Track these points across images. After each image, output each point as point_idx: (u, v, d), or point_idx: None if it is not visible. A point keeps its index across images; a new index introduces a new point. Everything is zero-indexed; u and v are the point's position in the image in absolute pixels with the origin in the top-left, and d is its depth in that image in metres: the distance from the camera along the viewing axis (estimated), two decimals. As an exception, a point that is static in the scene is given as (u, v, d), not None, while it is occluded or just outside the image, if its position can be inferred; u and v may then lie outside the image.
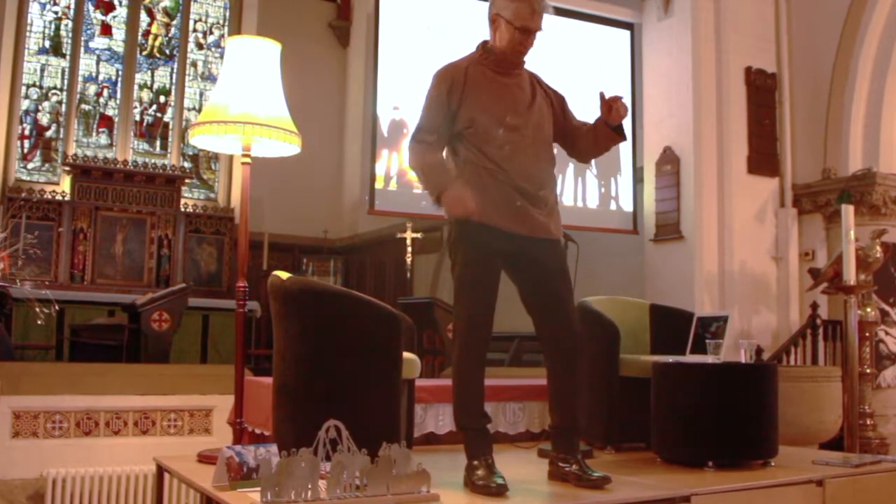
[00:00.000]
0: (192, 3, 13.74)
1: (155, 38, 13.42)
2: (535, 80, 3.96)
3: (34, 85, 12.47)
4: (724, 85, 8.38)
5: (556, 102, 4.01)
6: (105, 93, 12.95)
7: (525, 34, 3.74)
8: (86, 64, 12.87)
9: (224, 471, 3.29)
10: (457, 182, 3.61)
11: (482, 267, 3.67)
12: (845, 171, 8.32)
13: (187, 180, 12.90)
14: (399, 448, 3.13)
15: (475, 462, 3.58)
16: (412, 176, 8.17)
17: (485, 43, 3.89)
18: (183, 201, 12.49)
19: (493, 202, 3.65)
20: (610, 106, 3.81)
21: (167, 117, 13.37)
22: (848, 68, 8.31)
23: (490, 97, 3.75)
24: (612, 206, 9.04)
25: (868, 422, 6.98)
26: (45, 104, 12.52)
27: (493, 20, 3.82)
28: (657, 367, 4.62)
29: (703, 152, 8.23)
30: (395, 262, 12.58)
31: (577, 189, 8.75)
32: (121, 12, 13.17)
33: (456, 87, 3.74)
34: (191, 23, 13.72)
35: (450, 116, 3.74)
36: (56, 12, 12.69)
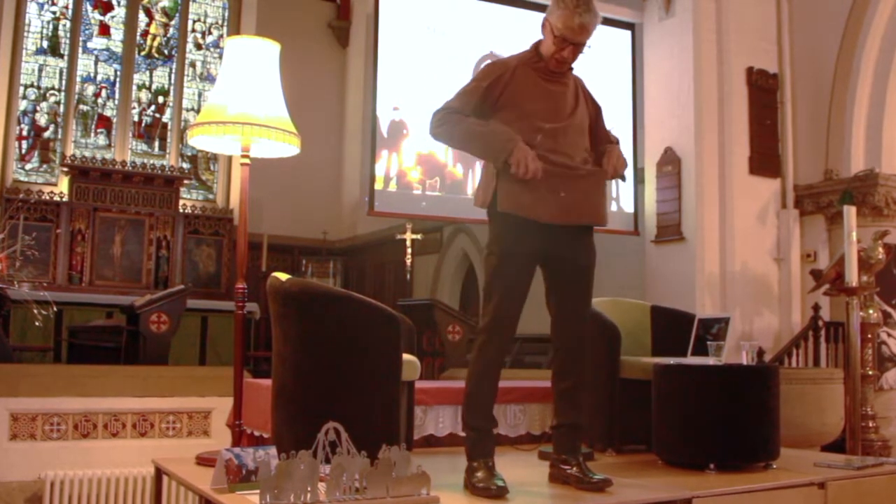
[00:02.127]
0: (190, 3, 13.74)
1: (153, 39, 13.42)
2: (579, 86, 3.94)
3: (32, 85, 12.48)
4: (726, 85, 8.37)
5: (593, 112, 3.99)
6: (103, 93, 12.95)
7: (566, 46, 3.69)
8: (84, 64, 12.87)
9: (223, 473, 3.28)
10: (519, 140, 3.56)
11: (518, 263, 3.66)
12: (847, 172, 8.32)
13: (186, 181, 12.91)
14: (399, 450, 3.12)
15: (475, 463, 3.57)
16: (412, 177, 8.17)
17: (538, 44, 3.84)
18: (181, 202, 12.49)
19: (537, 194, 3.62)
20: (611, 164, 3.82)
21: (166, 118, 13.37)
22: (850, 69, 8.31)
23: (532, 102, 3.72)
24: (613, 207, 9.02)
25: (870, 424, 6.95)
26: (43, 105, 12.52)
27: (543, 24, 3.78)
28: (658, 368, 4.60)
29: (704, 153, 8.22)
30: (394, 263, 12.58)
31: (578, 190, 8.72)
32: (119, 12, 13.17)
33: (499, 83, 3.72)
34: (189, 23, 13.72)
35: (481, 110, 3.72)
36: (54, 12, 12.70)
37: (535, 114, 3.69)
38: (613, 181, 8.86)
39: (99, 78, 12.96)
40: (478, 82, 3.75)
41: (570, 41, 3.67)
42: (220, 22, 13.97)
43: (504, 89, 3.71)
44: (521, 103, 3.70)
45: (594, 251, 3.87)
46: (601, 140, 4.01)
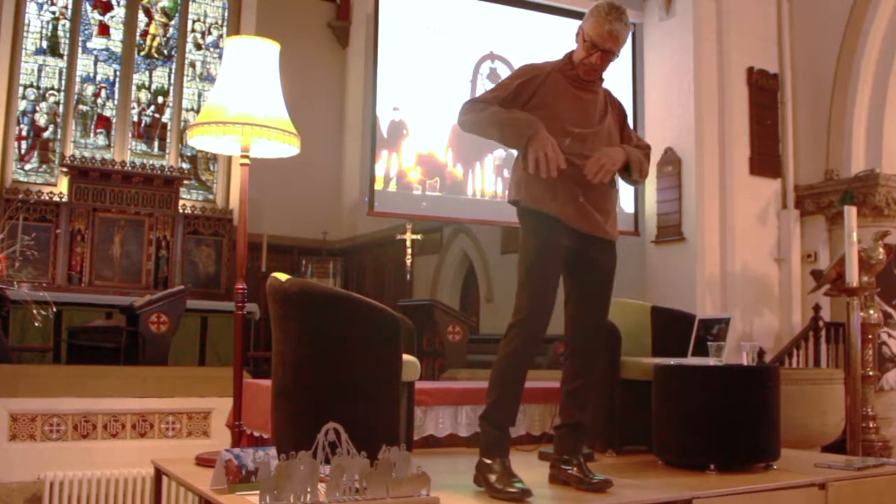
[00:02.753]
0: (190, 3, 13.68)
1: (153, 39, 13.38)
2: (608, 97, 4.00)
3: (31, 85, 12.43)
4: (726, 85, 8.36)
5: (620, 119, 4.05)
6: (103, 93, 12.90)
7: (595, 52, 3.75)
8: (83, 64, 12.82)
9: (223, 474, 3.28)
10: (542, 127, 3.59)
11: (550, 259, 3.70)
12: (848, 173, 8.31)
13: (185, 181, 12.85)
14: (399, 451, 3.11)
15: (487, 461, 3.56)
16: (412, 177, 8.16)
17: (571, 53, 3.90)
18: (181, 202, 12.44)
19: (559, 195, 3.68)
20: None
21: (165, 118, 13.32)
22: (850, 69, 8.30)
23: (563, 106, 3.78)
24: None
25: (871, 424, 6.94)
26: (43, 105, 12.48)
27: (578, 33, 3.85)
28: (659, 369, 4.60)
29: (704, 153, 8.22)
30: (394, 263, 12.56)
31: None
32: (119, 12, 13.12)
33: (530, 85, 3.79)
34: (189, 23, 13.66)
35: (511, 107, 3.74)
36: (53, 12, 12.65)
37: (564, 118, 3.75)
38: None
39: (98, 78, 12.91)
40: (510, 80, 3.84)
41: (599, 47, 3.74)
42: (219, 22, 13.93)
43: (536, 91, 3.78)
44: (552, 107, 3.76)
45: (615, 257, 3.92)
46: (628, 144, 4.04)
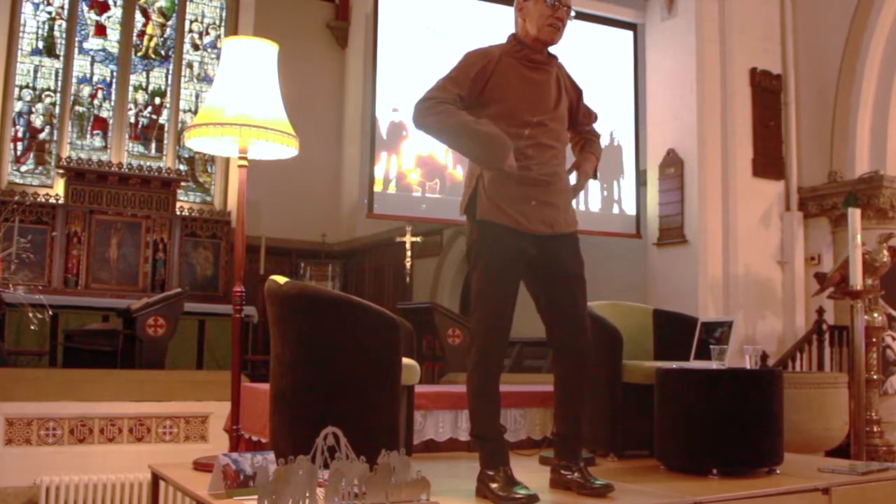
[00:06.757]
0: (187, 3, 13.69)
1: (150, 39, 13.37)
2: (560, 73, 3.88)
3: (27, 86, 12.41)
4: (729, 86, 8.34)
5: (574, 96, 3.95)
6: (99, 94, 12.89)
7: (555, 8, 3.65)
8: (80, 65, 12.81)
9: (220, 478, 3.27)
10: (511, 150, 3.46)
11: (502, 271, 3.62)
12: (852, 174, 8.29)
13: (183, 183, 12.84)
14: (398, 455, 3.10)
15: (489, 472, 3.52)
16: (412, 179, 8.13)
17: (514, 35, 3.79)
18: (179, 204, 12.42)
19: (511, 202, 3.60)
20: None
21: (162, 119, 13.31)
22: (854, 69, 8.28)
23: (518, 94, 3.66)
24: (615, 210, 8.98)
25: (875, 429, 6.90)
26: (39, 106, 12.46)
27: (520, 7, 3.74)
28: (661, 373, 4.57)
29: (707, 155, 8.19)
30: (394, 266, 12.55)
31: (579, 192, 8.72)
32: (115, 12, 13.11)
33: (484, 72, 3.64)
34: (187, 23, 13.67)
35: (467, 100, 3.62)
36: (50, 13, 12.64)
37: (522, 107, 3.65)
38: (615, 181, 8.97)
39: (95, 79, 12.90)
40: (464, 71, 3.65)
41: (562, 3, 3.67)
42: (217, 22, 13.92)
43: (489, 80, 3.65)
44: (508, 97, 3.65)
45: (581, 259, 3.81)
46: (581, 122, 4.00)
